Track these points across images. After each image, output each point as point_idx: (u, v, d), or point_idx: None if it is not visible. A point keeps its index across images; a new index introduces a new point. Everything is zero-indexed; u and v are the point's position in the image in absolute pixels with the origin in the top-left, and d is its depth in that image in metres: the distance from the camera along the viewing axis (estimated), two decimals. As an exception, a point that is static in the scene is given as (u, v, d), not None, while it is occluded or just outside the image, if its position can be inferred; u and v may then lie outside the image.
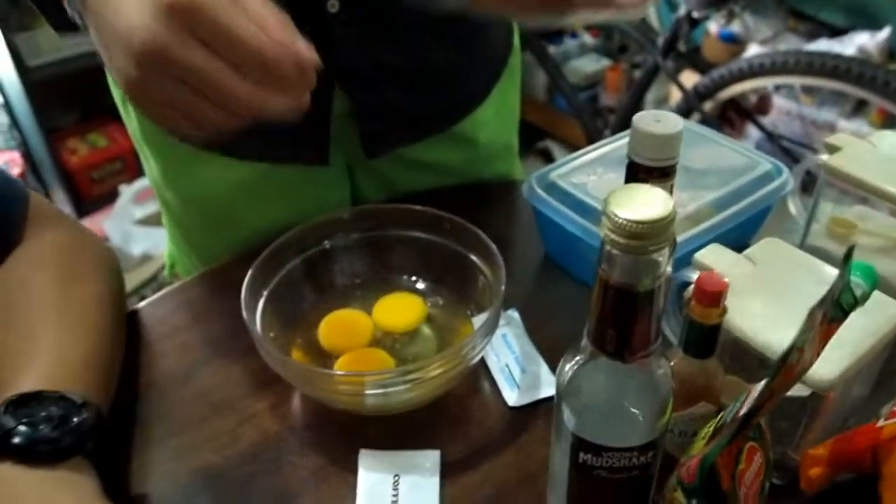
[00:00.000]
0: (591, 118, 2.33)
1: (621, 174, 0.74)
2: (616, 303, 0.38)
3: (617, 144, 0.79)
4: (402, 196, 0.79)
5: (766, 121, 2.17)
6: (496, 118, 0.88)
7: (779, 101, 2.16)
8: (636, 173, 0.49)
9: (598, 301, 0.39)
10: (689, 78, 2.11)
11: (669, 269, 0.38)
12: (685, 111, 2.03)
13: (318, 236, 0.69)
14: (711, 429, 0.46)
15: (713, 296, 0.47)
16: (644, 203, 0.36)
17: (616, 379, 0.42)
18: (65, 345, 0.56)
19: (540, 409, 0.62)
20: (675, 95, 2.31)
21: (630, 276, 0.37)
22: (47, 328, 0.57)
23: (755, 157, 0.76)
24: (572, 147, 2.52)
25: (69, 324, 0.58)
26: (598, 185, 0.73)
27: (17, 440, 0.46)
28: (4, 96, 2.40)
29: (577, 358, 0.43)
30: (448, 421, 0.62)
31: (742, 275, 0.55)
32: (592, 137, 2.34)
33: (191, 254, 0.89)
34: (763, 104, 2.16)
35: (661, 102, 2.45)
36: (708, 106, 2.05)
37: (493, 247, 0.63)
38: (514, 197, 0.90)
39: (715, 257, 0.57)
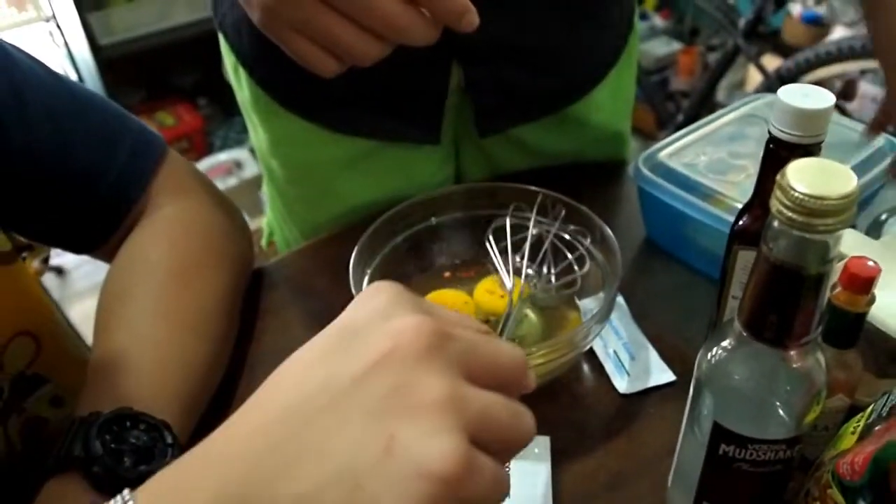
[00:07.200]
0: (662, 102, 2.27)
1: (731, 152, 0.72)
2: (782, 286, 0.36)
3: (721, 122, 0.76)
4: (504, 175, 0.77)
5: (850, 107, 2.08)
6: (611, 102, 0.84)
7: (864, 87, 2.07)
8: (778, 150, 0.46)
9: (760, 284, 0.37)
10: (769, 62, 2.04)
11: (839, 251, 0.36)
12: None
13: (426, 212, 0.67)
14: (862, 423, 0.43)
15: (863, 282, 0.44)
16: (825, 178, 0.33)
17: (769, 367, 0.39)
18: (171, 354, 0.54)
19: (651, 398, 0.60)
20: (753, 80, 2.24)
21: (800, 258, 0.35)
22: (157, 327, 0.55)
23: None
24: (640, 132, 2.46)
25: (177, 328, 0.56)
26: (710, 166, 0.70)
27: (96, 469, 0.45)
28: (78, 74, 2.45)
29: (725, 343, 0.41)
30: (555, 406, 0.60)
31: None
32: (664, 122, 2.28)
33: (291, 224, 0.88)
34: (848, 90, 2.07)
35: (737, 87, 2.37)
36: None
37: (608, 231, 0.61)
38: (617, 179, 0.87)
39: (850, 241, 0.54)
